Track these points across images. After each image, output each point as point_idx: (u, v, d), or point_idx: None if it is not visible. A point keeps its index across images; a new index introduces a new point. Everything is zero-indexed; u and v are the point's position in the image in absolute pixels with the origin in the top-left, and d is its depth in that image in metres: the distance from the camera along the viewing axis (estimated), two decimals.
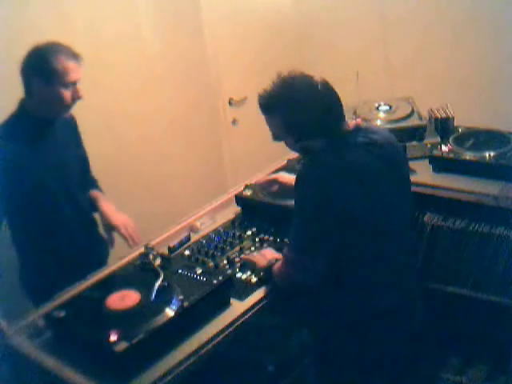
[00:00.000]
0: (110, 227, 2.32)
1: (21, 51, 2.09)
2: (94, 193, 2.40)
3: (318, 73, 1.80)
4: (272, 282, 1.91)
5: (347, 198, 1.68)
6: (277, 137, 1.82)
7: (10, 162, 2.06)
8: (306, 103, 1.69)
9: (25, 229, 2.20)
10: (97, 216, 2.41)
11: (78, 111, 2.27)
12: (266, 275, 1.92)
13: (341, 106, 1.78)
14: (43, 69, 2.06)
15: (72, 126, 2.33)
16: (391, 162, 1.81)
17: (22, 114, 2.14)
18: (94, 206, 2.37)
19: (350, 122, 1.82)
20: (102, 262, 2.30)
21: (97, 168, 2.46)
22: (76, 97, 2.13)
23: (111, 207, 2.35)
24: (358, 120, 1.88)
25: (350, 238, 1.74)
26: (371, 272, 1.80)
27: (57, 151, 2.20)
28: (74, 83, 2.10)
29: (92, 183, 2.44)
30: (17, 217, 2.17)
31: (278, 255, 1.95)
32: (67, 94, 2.10)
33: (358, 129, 1.81)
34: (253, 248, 2.11)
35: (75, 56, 2.10)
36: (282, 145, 1.84)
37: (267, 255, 1.97)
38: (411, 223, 2.04)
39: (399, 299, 1.86)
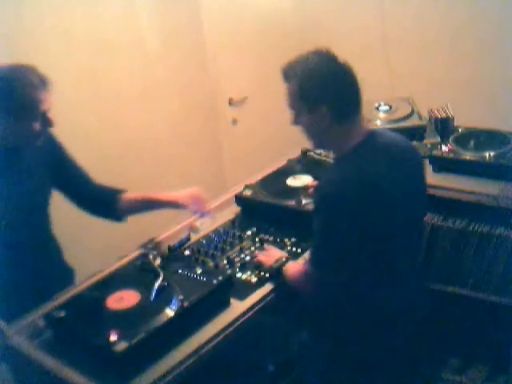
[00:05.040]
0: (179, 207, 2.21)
1: (20, 58, 2.06)
2: (128, 196, 2.24)
3: None
4: (279, 280, 1.92)
5: (371, 215, 1.69)
6: (295, 115, 1.79)
7: None
8: (323, 70, 1.72)
9: None
10: (62, 243, 2.28)
11: (78, 113, 2.26)
12: (275, 273, 1.93)
13: (358, 94, 1.76)
14: (8, 104, 1.85)
15: (48, 150, 2.10)
16: (408, 167, 1.83)
17: None
18: (138, 208, 2.25)
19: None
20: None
21: (97, 168, 2.46)
22: (47, 125, 1.95)
23: (165, 192, 2.22)
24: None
25: (368, 250, 1.75)
26: (380, 275, 1.81)
27: (17, 181, 2.02)
28: (45, 112, 1.92)
29: (109, 194, 2.25)
30: None
31: (283, 253, 1.97)
32: (36, 125, 1.91)
33: (374, 132, 1.82)
34: (253, 248, 2.11)
35: (44, 83, 1.89)
36: (282, 145, 1.84)
37: (274, 254, 1.98)
38: (421, 226, 2.06)
39: (404, 301, 1.87)
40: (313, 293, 1.84)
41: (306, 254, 2.04)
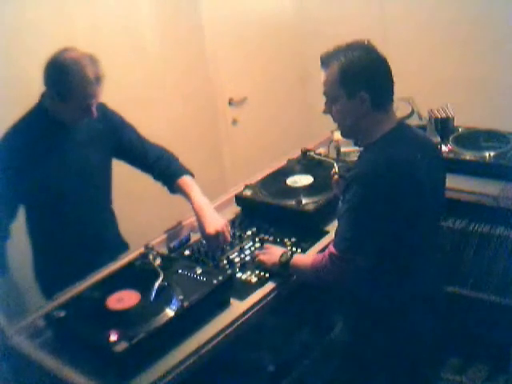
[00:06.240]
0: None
1: (19, 52, 2.06)
2: (183, 183, 2.24)
3: (318, 73, 1.81)
4: (280, 280, 1.92)
5: (401, 198, 1.71)
6: (329, 103, 1.80)
7: (19, 159, 2.02)
8: (365, 58, 1.76)
9: (40, 224, 2.19)
10: (117, 217, 2.37)
11: None
12: (281, 268, 1.92)
13: (392, 84, 1.80)
14: (62, 87, 2.00)
15: (103, 122, 2.21)
16: (433, 159, 1.85)
17: (40, 111, 2.09)
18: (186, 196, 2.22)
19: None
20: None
21: None
22: (89, 116, 2.07)
23: (204, 209, 2.12)
24: None
25: (394, 236, 1.75)
26: (401, 266, 1.81)
27: (73, 151, 2.14)
28: (90, 105, 2.04)
29: (168, 175, 2.28)
30: (34, 213, 2.16)
31: (284, 249, 1.97)
32: (80, 114, 2.06)
33: (403, 122, 1.87)
34: (253, 248, 2.11)
35: (98, 79, 2.02)
36: (282, 145, 1.84)
37: (274, 251, 1.97)
38: (439, 221, 2.08)
39: (422, 294, 1.86)
40: (335, 279, 1.79)
41: (310, 252, 2.04)
